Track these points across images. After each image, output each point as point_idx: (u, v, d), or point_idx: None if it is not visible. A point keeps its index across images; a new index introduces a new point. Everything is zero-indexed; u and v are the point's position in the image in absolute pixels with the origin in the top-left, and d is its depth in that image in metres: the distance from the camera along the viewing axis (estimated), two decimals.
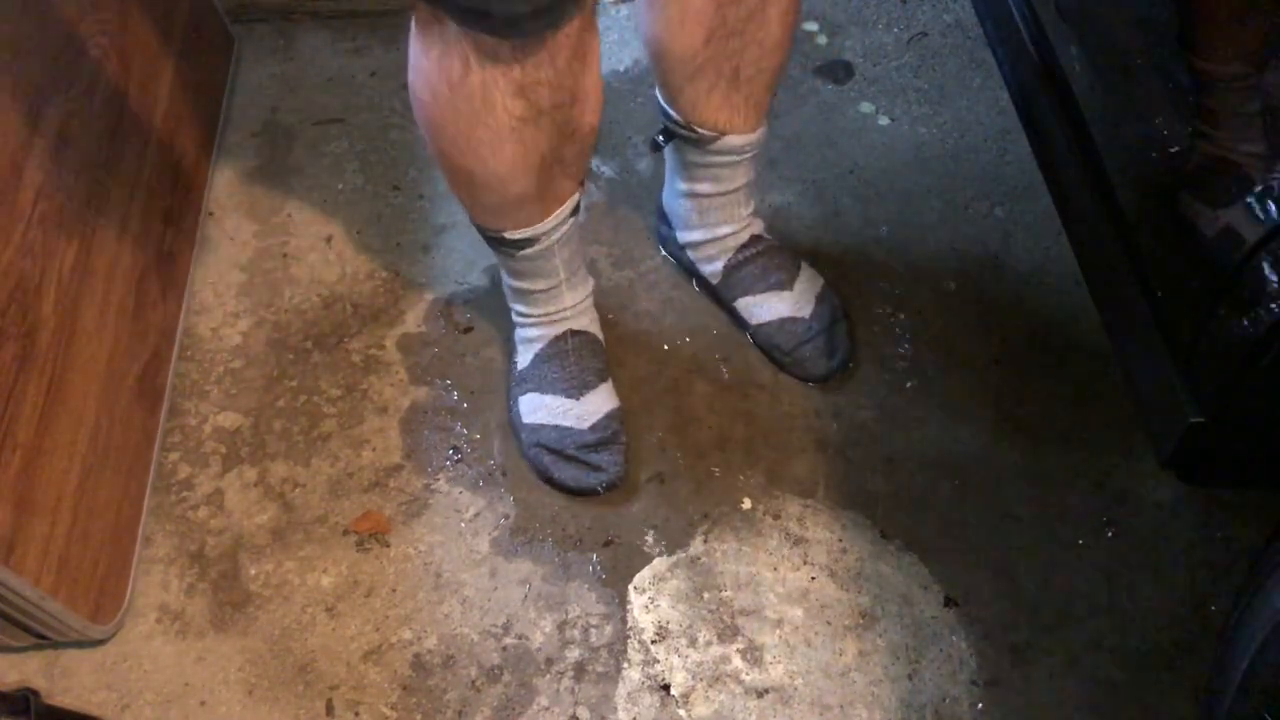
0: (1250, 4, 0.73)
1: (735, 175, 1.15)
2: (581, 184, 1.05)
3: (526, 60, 0.85)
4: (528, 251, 1.05)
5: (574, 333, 1.16)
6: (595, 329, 1.19)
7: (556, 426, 1.14)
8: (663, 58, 1.06)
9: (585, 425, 1.14)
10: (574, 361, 1.15)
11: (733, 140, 1.10)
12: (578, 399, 1.14)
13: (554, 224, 1.03)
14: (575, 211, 1.06)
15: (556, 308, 1.15)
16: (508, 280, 1.14)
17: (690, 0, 0.99)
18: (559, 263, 1.09)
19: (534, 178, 0.96)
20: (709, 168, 1.14)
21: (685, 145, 1.13)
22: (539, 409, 1.15)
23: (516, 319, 1.18)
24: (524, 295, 1.14)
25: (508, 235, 1.04)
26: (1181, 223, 0.78)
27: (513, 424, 1.18)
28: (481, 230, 1.06)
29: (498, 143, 0.92)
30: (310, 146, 1.43)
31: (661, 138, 1.15)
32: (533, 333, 1.17)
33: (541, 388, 1.16)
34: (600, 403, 1.15)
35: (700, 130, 1.09)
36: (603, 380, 1.17)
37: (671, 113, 1.10)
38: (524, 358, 1.18)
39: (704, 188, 1.17)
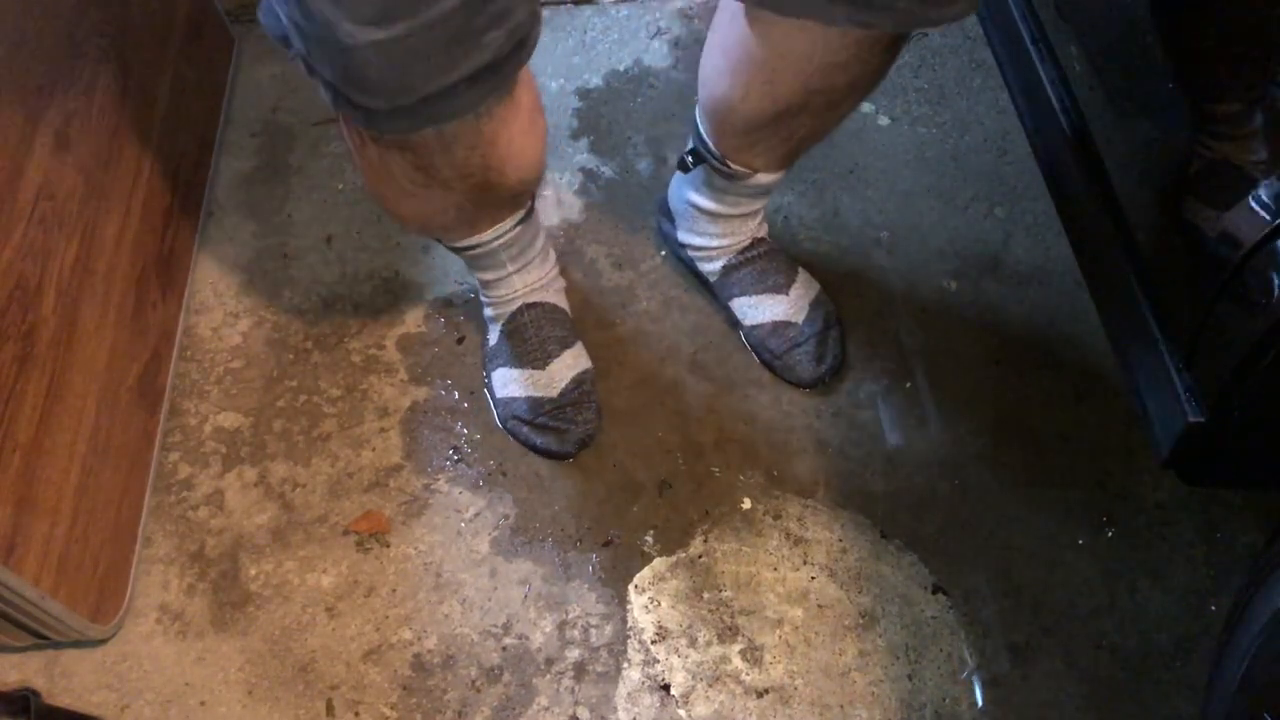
0: (1245, 53, 0.73)
1: (754, 202, 1.17)
2: (528, 202, 1.06)
3: (415, 145, 0.81)
4: (470, 254, 1.08)
5: (529, 306, 1.18)
6: (556, 298, 1.21)
7: (527, 397, 1.16)
8: (725, 117, 1.01)
9: (554, 392, 1.16)
10: (533, 334, 1.18)
11: (764, 178, 1.09)
12: (543, 368, 1.16)
13: (492, 237, 1.05)
14: (523, 220, 1.07)
15: (507, 291, 1.17)
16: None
17: (780, 79, 0.92)
18: (505, 259, 1.11)
19: (454, 215, 0.98)
20: (730, 194, 1.14)
21: (712, 172, 1.12)
22: (510, 382, 1.18)
23: (481, 296, 1.21)
24: (476, 274, 1.17)
25: (445, 242, 1.07)
26: (1182, 222, 0.78)
27: (489, 398, 1.20)
28: None
29: (402, 198, 0.92)
30: (310, 146, 1.43)
31: (690, 159, 1.12)
32: (492, 311, 1.20)
33: (509, 362, 1.18)
34: (566, 368, 1.17)
35: (734, 168, 1.08)
36: (566, 346, 1.18)
37: (711, 146, 1.07)
38: (492, 334, 1.21)
39: (721, 209, 1.17)
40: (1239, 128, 0.74)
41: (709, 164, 1.10)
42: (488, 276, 1.14)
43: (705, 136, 1.08)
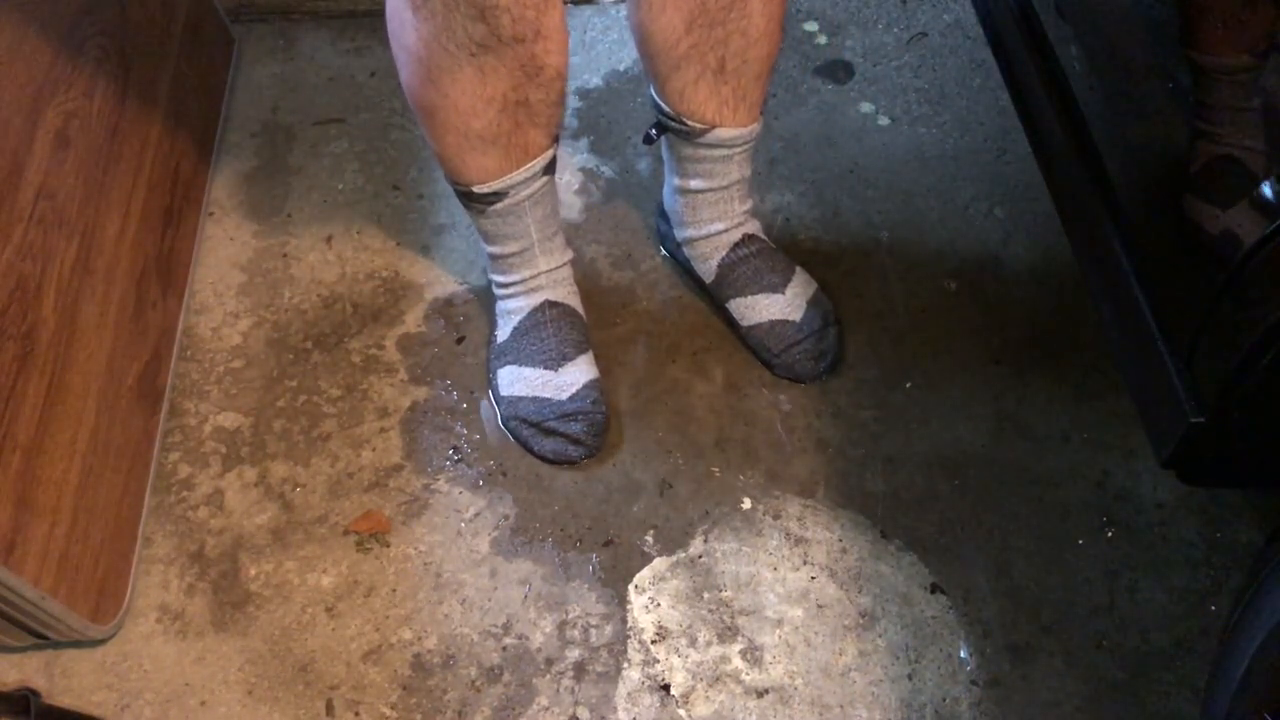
0: None
1: (728, 170, 1.15)
2: (554, 140, 1.06)
3: None
4: (497, 207, 1.07)
5: (551, 304, 1.18)
6: (574, 301, 1.20)
7: (535, 398, 1.16)
8: (646, 45, 1.06)
9: (564, 396, 1.15)
10: (552, 334, 1.17)
11: (723, 133, 1.10)
12: (556, 370, 1.16)
13: (523, 177, 1.05)
14: (549, 170, 1.07)
15: (531, 272, 1.16)
16: (484, 248, 1.16)
17: None
18: (530, 223, 1.11)
19: (495, 115, 0.98)
20: (700, 162, 1.14)
21: (677, 139, 1.13)
22: (517, 381, 1.17)
23: (496, 291, 1.20)
24: (500, 262, 1.16)
25: (476, 189, 1.05)
26: (1183, 222, 0.78)
27: (491, 396, 1.20)
28: (454, 186, 1.08)
29: (457, 69, 0.93)
30: (310, 146, 1.43)
31: (654, 131, 1.15)
32: (511, 305, 1.19)
33: (520, 360, 1.17)
34: (579, 374, 1.16)
35: (689, 122, 1.10)
36: (581, 352, 1.18)
37: (662, 104, 1.11)
38: (503, 331, 1.20)
39: (696, 183, 1.17)
40: (1240, 98, 0.74)
41: (670, 129, 1.12)
42: (511, 249, 1.13)
43: (654, 95, 1.11)
